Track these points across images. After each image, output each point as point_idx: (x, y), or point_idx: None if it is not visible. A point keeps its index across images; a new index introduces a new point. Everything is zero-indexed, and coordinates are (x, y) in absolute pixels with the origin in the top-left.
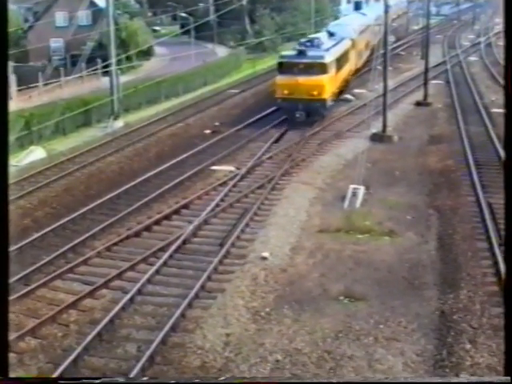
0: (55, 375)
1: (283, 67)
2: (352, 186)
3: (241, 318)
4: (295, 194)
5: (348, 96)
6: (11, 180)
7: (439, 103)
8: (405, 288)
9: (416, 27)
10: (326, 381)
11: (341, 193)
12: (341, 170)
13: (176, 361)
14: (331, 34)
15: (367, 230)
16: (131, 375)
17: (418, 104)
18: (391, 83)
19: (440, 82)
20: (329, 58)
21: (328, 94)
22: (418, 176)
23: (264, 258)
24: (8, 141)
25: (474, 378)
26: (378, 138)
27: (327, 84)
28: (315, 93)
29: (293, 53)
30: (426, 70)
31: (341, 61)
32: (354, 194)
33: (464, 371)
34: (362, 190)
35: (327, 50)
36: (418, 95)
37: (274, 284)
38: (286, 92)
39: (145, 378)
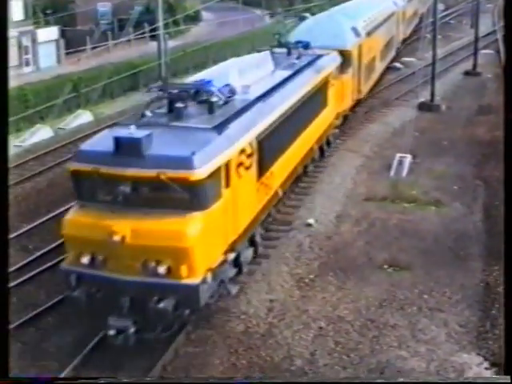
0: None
1: (86, 185)
2: (399, 155)
3: (285, 285)
4: (342, 162)
5: (397, 64)
6: (60, 142)
7: (489, 73)
8: (450, 258)
9: None
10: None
11: (387, 161)
12: (388, 139)
13: (220, 325)
14: (291, 49)
15: (413, 199)
16: (176, 339)
17: (467, 74)
18: (440, 52)
19: (490, 51)
20: (218, 157)
21: (207, 263)
22: (465, 146)
23: (309, 225)
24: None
25: (474, 378)
26: (425, 107)
27: (203, 238)
28: (162, 268)
29: (108, 145)
30: (476, 40)
31: (291, 129)
32: (401, 163)
33: None
34: (408, 158)
35: (221, 125)
36: (468, 65)
37: (319, 251)
38: (84, 259)
39: (148, 378)
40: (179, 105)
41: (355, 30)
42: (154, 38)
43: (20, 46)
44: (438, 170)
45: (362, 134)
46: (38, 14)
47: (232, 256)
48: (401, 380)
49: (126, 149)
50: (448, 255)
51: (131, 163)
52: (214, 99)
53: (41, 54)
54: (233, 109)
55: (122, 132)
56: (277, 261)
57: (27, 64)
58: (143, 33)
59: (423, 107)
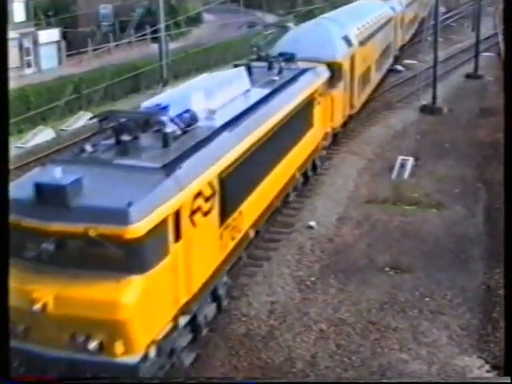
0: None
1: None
2: (400, 157)
3: (286, 287)
4: (343, 164)
5: (398, 67)
6: (62, 144)
7: (490, 76)
8: (451, 261)
9: None
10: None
11: (389, 164)
12: (390, 141)
13: (221, 328)
14: (272, 63)
15: (415, 201)
16: None
17: (469, 76)
18: (442, 55)
19: (491, 54)
20: (163, 206)
21: (149, 335)
22: (467, 149)
23: (310, 227)
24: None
25: (473, 379)
26: (427, 109)
27: (144, 307)
28: (93, 344)
29: (28, 190)
30: (477, 42)
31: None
32: (403, 166)
33: None
34: (410, 161)
35: (172, 163)
36: (469, 67)
37: (320, 253)
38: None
39: (148, 379)
40: (126, 137)
41: (347, 39)
42: (155, 39)
43: (21, 48)
44: (440, 172)
45: (364, 137)
46: (40, 16)
47: (184, 320)
48: (397, 380)
49: (50, 197)
50: (449, 257)
51: (55, 215)
52: (169, 130)
53: (42, 56)
54: (191, 141)
55: (47, 176)
56: (278, 263)
57: (28, 65)
58: (144, 34)
59: (425, 110)
